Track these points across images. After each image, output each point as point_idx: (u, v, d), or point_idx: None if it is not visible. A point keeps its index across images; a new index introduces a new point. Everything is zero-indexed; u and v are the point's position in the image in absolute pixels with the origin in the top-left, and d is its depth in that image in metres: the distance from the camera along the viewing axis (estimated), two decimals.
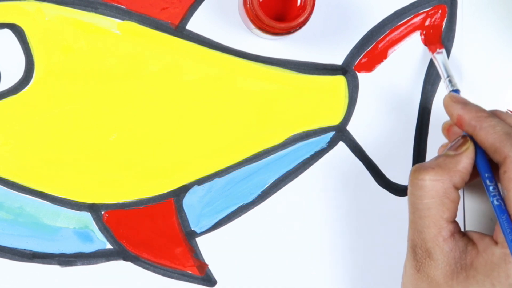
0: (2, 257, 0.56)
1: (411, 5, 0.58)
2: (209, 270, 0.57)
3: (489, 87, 0.59)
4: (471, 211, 0.58)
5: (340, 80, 0.58)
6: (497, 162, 0.47)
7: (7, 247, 0.56)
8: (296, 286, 0.58)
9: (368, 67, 0.58)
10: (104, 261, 0.57)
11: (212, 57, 0.57)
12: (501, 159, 0.46)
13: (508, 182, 0.46)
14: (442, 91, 0.58)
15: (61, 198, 0.57)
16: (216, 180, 0.57)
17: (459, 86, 0.54)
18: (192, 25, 0.57)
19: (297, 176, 0.58)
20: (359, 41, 0.58)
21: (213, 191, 0.57)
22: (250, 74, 0.57)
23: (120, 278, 0.57)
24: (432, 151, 0.58)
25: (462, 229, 0.57)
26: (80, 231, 0.57)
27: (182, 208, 0.57)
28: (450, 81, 0.53)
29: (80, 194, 0.57)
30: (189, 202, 0.57)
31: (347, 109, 0.58)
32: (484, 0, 0.59)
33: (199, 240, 0.57)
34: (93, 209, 0.57)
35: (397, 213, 0.58)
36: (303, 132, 0.58)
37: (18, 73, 0.56)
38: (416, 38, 0.58)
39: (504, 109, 0.59)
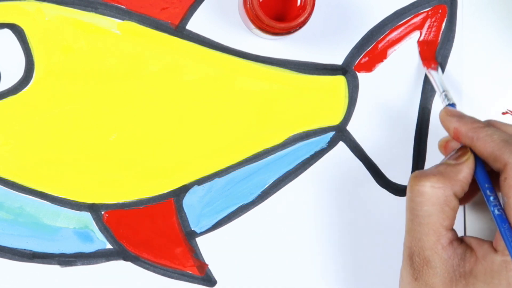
0: (2, 257, 0.56)
1: (411, 5, 0.58)
2: (209, 270, 0.57)
3: (489, 87, 0.59)
4: (471, 214, 0.58)
5: (340, 80, 0.58)
6: (497, 170, 0.47)
7: (7, 247, 0.56)
8: (296, 286, 0.58)
9: (368, 67, 0.58)
10: (104, 261, 0.57)
11: (212, 57, 0.57)
12: (501, 166, 0.46)
13: (508, 189, 0.46)
14: None
15: (61, 198, 0.57)
16: (216, 180, 0.57)
17: (455, 100, 0.54)
18: (192, 25, 0.57)
19: (297, 176, 0.58)
20: (359, 41, 0.58)
21: (213, 191, 0.57)
22: (250, 74, 0.57)
23: (120, 278, 0.57)
24: (432, 151, 0.58)
25: (462, 233, 0.57)
26: (80, 231, 0.57)
27: (182, 208, 0.57)
28: (445, 96, 0.53)
29: (80, 194, 0.57)
30: (189, 202, 0.57)
31: (347, 109, 0.58)
32: (484, 0, 0.59)
33: (199, 240, 0.57)
34: (93, 209, 0.57)
35: (397, 213, 0.58)
36: (303, 132, 0.58)
37: (18, 73, 0.56)
38: (416, 38, 0.58)
39: (504, 109, 0.59)
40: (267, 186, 0.58)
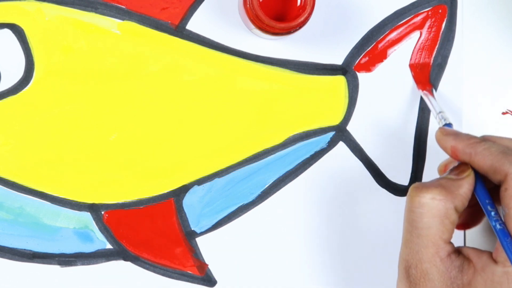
0: (2, 257, 0.56)
1: (411, 5, 0.58)
2: (209, 270, 0.57)
3: (489, 87, 0.59)
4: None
5: (340, 80, 0.58)
6: (498, 183, 0.47)
7: (7, 247, 0.56)
8: (296, 286, 0.58)
9: (368, 67, 0.58)
10: (104, 261, 0.57)
11: (212, 57, 0.57)
12: (502, 178, 0.46)
13: (509, 200, 0.46)
14: (442, 91, 0.58)
15: (61, 198, 0.57)
16: (216, 180, 0.57)
17: (451, 120, 0.54)
18: (192, 25, 0.57)
19: (297, 176, 0.58)
20: (359, 41, 0.58)
21: (213, 191, 0.57)
22: (250, 74, 0.57)
23: (120, 278, 0.57)
24: (432, 151, 0.58)
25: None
26: (80, 231, 0.57)
27: (182, 208, 0.57)
28: (441, 117, 0.53)
29: (80, 194, 0.57)
30: (189, 202, 0.57)
31: (347, 109, 0.58)
32: (484, 0, 0.59)
33: (199, 240, 0.57)
34: (93, 209, 0.57)
35: (397, 213, 0.58)
36: (303, 132, 0.58)
37: (18, 73, 0.56)
38: (416, 38, 0.58)
39: (504, 109, 0.59)
40: (267, 186, 0.58)
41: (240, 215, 0.57)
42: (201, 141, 0.57)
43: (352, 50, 0.58)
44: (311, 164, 0.58)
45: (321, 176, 0.58)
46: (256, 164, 0.58)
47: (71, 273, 0.57)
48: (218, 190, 0.57)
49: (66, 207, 0.57)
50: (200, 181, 0.57)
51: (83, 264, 0.57)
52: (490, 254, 0.48)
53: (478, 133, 0.58)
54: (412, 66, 0.57)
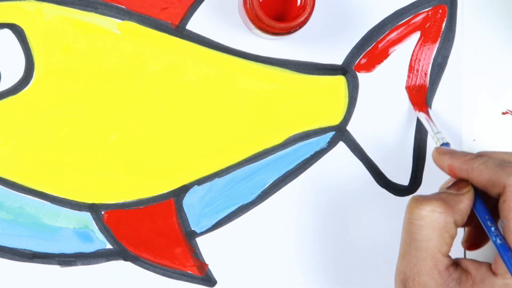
0: (2, 257, 0.56)
1: (411, 5, 0.58)
2: (209, 270, 0.57)
3: (489, 87, 0.59)
4: None
5: (340, 80, 0.58)
6: (497, 196, 0.47)
7: (7, 247, 0.56)
8: (296, 286, 0.58)
9: (368, 67, 0.58)
10: (104, 261, 0.57)
11: (212, 57, 0.57)
12: (500, 190, 0.46)
13: (508, 212, 0.45)
14: (442, 91, 0.58)
15: (61, 198, 0.57)
16: (216, 180, 0.57)
17: (448, 139, 0.54)
18: (192, 25, 0.57)
19: (297, 176, 0.58)
20: (359, 41, 0.58)
21: (213, 191, 0.57)
22: (250, 74, 0.57)
23: (120, 278, 0.57)
24: (431, 151, 0.58)
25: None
26: (80, 231, 0.57)
27: (182, 208, 0.57)
28: (439, 137, 0.54)
29: (80, 194, 0.57)
30: (189, 202, 0.57)
31: (347, 109, 0.58)
32: (484, 0, 0.59)
33: (199, 240, 0.57)
34: (93, 209, 0.57)
35: (397, 213, 0.58)
36: (303, 132, 0.58)
37: (18, 73, 0.56)
38: (416, 39, 0.58)
39: (504, 109, 0.59)
40: (267, 186, 0.58)
41: (240, 215, 0.57)
42: (201, 141, 0.57)
43: (352, 50, 0.58)
44: (311, 164, 0.58)
45: (321, 176, 0.58)
46: (256, 164, 0.58)
47: (71, 273, 0.57)
48: (218, 190, 0.57)
49: (66, 207, 0.57)
50: (200, 181, 0.57)
51: (83, 264, 0.57)
52: (489, 265, 0.47)
53: (478, 133, 0.58)
54: (408, 88, 0.58)
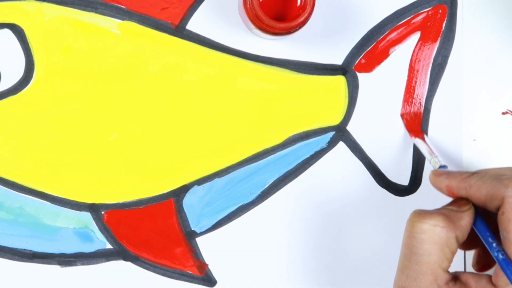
0: (2, 257, 0.56)
1: (411, 5, 0.58)
2: (209, 270, 0.57)
3: (489, 87, 0.59)
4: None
5: (340, 80, 0.58)
6: (496, 209, 0.47)
7: (7, 247, 0.56)
8: (296, 286, 0.58)
9: (368, 67, 0.58)
10: (104, 261, 0.57)
11: (212, 57, 0.57)
12: (499, 203, 0.46)
13: (507, 223, 0.45)
14: (442, 91, 0.58)
15: (61, 198, 0.57)
16: (216, 180, 0.57)
17: (445, 162, 0.54)
18: (192, 25, 0.57)
19: (297, 176, 0.58)
20: (359, 41, 0.58)
21: (213, 191, 0.57)
22: (250, 74, 0.57)
23: (120, 278, 0.57)
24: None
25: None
26: (80, 231, 0.57)
27: (182, 208, 0.57)
28: (436, 161, 0.54)
29: (80, 194, 0.57)
30: (189, 202, 0.57)
31: (347, 109, 0.58)
32: (484, 0, 0.59)
33: (199, 240, 0.57)
34: (93, 209, 0.57)
35: (397, 213, 0.58)
36: (303, 132, 0.58)
37: (18, 73, 0.56)
38: (416, 39, 0.58)
39: (504, 109, 0.59)
40: (267, 186, 0.58)
41: (240, 215, 0.57)
42: (201, 141, 0.57)
43: (352, 50, 0.58)
44: (311, 164, 0.58)
45: (321, 176, 0.58)
46: (256, 164, 0.58)
47: (71, 273, 0.57)
48: (218, 190, 0.57)
49: (66, 207, 0.57)
50: (200, 181, 0.57)
51: (83, 264, 0.57)
52: (489, 278, 0.47)
53: (478, 133, 0.58)
54: (403, 115, 0.58)
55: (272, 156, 0.58)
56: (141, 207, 0.57)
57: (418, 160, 0.58)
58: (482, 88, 0.59)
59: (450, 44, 0.58)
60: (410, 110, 0.58)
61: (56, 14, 0.56)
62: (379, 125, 0.58)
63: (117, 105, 0.57)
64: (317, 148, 0.58)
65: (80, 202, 0.57)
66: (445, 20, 0.58)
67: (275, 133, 0.58)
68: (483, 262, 0.52)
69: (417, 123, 0.58)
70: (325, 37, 0.58)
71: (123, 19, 0.57)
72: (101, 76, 0.57)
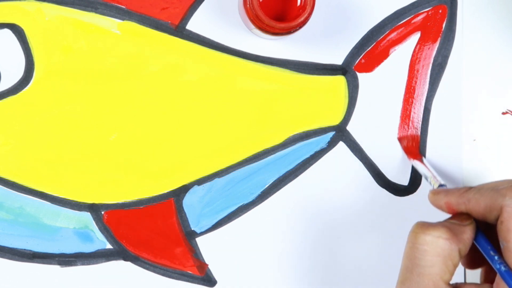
0: (2, 257, 0.56)
1: (411, 5, 0.58)
2: (209, 270, 0.57)
3: (489, 87, 0.59)
4: None
5: (340, 80, 0.58)
6: (495, 220, 0.46)
7: (7, 247, 0.56)
8: (296, 286, 0.58)
9: (368, 67, 0.58)
10: (104, 261, 0.57)
11: (212, 57, 0.57)
12: (498, 213, 0.46)
13: (506, 233, 0.45)
14: (442, 91, 0.58)
15: (61, 198, 0.57)
16: (216, 180, 0.57)
17: (444, 181, 0.54)
18: (192, 25, 0.57)
19: (297, 176, 0.58)
20: (359, 41, 0.58)
21: (213, 191, 0.57)
22: (250, 74, 0.57)
23: (120, 278, 0.57)
24: (432, 151, 0.58)
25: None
26: (80, 231, 0.57)
27: (182, 208, 0.57)
28: (435, 181, 0.54)
29: (80, 194, 0.57)
30: (189, 202, 0.57)
31: (347, 109, 0.58)
32: (484, 0, 0.59)
33: (199, 240, 0.57)
34: (93, 209, 0.57)
35: (397, 213, 0.58)
36: (303, 132, 0.58)
37: (18, 73, 0.56)
38: (416, 39, 0.58)
39: (504, 109, 0.59)
40: (267, 186, 0.58)
41: (240, 215, 0.57)
42: (201, 141, 0.57)
43: (352, 50, 0.58)
44: (311, 164, 0.58)
45: (321, 176, 0.58)
46: (256, 164, 0.58)
47: (71, 273, 0.57)
48: (218, 190, 0.57)
49: (66, 207, 0.57)
50: (200, 181, 0.57)
51: (83, 264, 0.57)
52: (490, 287, 0.47)
53: (478, 133, 0.58)
54: (401, 139, 0.58)
55: (272, 156, 0.58)
56: (141, 207, 0.57)
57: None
58: (482, 88, 0.59)
59: (450, 44, 0.58)
60: (407, 133, 0.58)
61: (56, 14, 0.56)
62: (379, 125, 0.58)
63: (117, 105, 0.57)
64: (317, 148, 0.58)
65: (80, 202, 0.57)
66: (445, 20, 0.58)
67: (275, 133, 0.58)
68: (491, 279, 0.51)
69: (415, 147, 0.58)
70: (325, 37, 0.58)
71: (123, 19, 0.57)
72: (101, 76, 0.57)
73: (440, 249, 0.46)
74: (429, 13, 0.58)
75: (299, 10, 0.54)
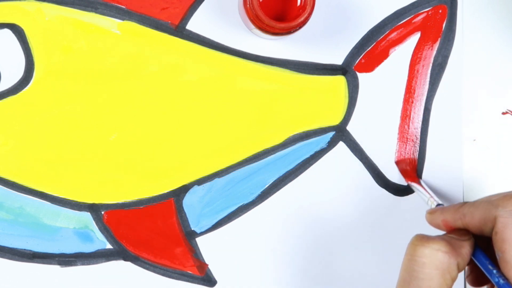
0: (2, 257, 0.56)
1: (411, 5, 0.58)
2: (209, 270, 0.57)
3: (489, 87, 0.59)
4: None
5: (340, 80, 0.58)
6: (491, 232, 0.46)
7: (7, 247, 0.56)
8: (296, 286, 0.58)
9: (368, 67, 0.58)
10: (104, 261, 0.57)
11: (212, 57, 0.57)
12: (492, 224, 0.46)
13: (501, 243, 0.45)
14: (442, 91, 0.58)
15: (61, 198, 0.57)
16: (216, 180, 0.57)
17: (441, 201, 0.54)
18: (192, 25, 0.57)
19: (297, 176, 0.58)
20: (359, 41, 0.58)
21: (213, 191, 0.57)
22: (250, 74, 0.57)
23: (120, 278, 0.57)
24: (432, 151, 0.58)
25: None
26: (80, 231, 0.57)
27: (182, 208, 0.57)
28: (433, 200, 0.54)
29: (80, 194, 0.57)
30: (189, 202, 0.57)
31: (347, 109, 0.58)
32: (484, 0, 0.59)
33: (199, 240, 0.57)
34: (93, 209, 0.57)
35: (397, 213, 0.58)
36: (303, 132, 0.58)
37: (18, 73, 0.56)
38: (416, 39, 0.58)
39: (504, 109, 0.59)
40: (267, 186, 0.58)
41: (240, 215, 0.57)
42: (201, 141, 0.57)
43: (352, 50, 0.58)
44: (311, 164, 0.58)
45: (321, 176, 0.58)
46: (256, 164, 0.58)
47: (71, 273, 0.57)
48: (218, 190, 0.57)
49: (66, 207, 0.57)
50: (200, 181, 0.57)
51: (83, 264, 0.57)
52: None
53: (478, 133, 0.59)
54: (398, 163, 0.58)
55: (272, 156, 0.58)
56: (141, 207, 0.57)
57: (419, 161, 0.58)
58: (482, 88, 0.59)
59: (450, 44, 0.58)
60: (404, 155, 0.58)
61: (56, 14, 0.56)
62: (379, 125, 0.58)
63: (117, 105, 0.57)
64: (317, 148, 0.58)
65: (80, 202, 0.57)
66: (445, 20, 0.58)
67: (275, 133, 0.58)
68: None
69: (412, 170, 0.58)
70: (325, 37, 0.58)
71: (123, 19, 0.57)
72: (101, 76, 0.57)
73: (439, 262, 0.46)
74: (429, 13, 0.58)
75: (299, 10, 0.54)
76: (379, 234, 0.58)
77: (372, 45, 0.58)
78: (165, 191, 0.57)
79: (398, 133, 0.58)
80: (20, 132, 0.56)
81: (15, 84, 0.56)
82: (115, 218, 0.57)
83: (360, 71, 0.58)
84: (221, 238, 0.57)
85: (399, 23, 0.58)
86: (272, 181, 0.58)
